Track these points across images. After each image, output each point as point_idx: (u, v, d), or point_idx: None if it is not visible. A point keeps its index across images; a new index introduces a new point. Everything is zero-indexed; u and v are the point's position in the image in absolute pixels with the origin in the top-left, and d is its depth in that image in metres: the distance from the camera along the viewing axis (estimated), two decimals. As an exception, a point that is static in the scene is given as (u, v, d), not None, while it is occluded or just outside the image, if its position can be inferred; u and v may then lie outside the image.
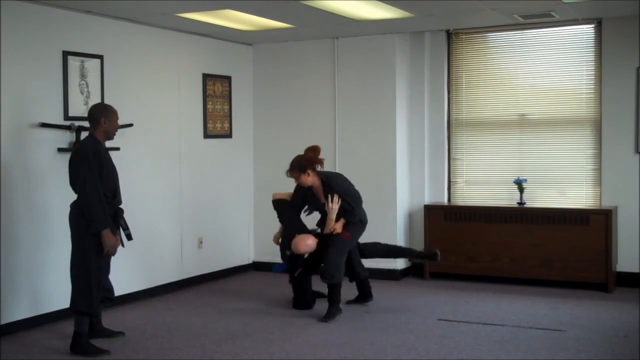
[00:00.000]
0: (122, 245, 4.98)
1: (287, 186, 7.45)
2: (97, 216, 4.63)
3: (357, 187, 6.35)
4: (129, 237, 4.98)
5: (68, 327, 5.25)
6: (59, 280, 5.50)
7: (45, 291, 5.53)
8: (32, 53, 5.42)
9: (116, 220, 4.87)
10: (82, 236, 4.70)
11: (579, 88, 6.90)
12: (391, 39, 7.20)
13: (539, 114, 7.06)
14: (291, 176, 5.81)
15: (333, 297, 5.70)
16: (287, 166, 5.83)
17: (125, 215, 4.97)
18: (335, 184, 5.77)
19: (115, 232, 4.82)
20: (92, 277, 4.71)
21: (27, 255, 5.41)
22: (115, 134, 4.95)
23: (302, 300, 6.02)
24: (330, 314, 5.63)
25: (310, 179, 5.73)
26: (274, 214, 6.46)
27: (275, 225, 6.27)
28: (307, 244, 5.79)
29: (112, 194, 4.84)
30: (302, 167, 5.72)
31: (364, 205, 5.96)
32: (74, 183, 4.72)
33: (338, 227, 5.74)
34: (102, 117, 4.79)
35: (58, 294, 5.52)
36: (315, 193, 5.86)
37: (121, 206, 4.95)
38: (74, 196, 4.77)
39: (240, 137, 7.72)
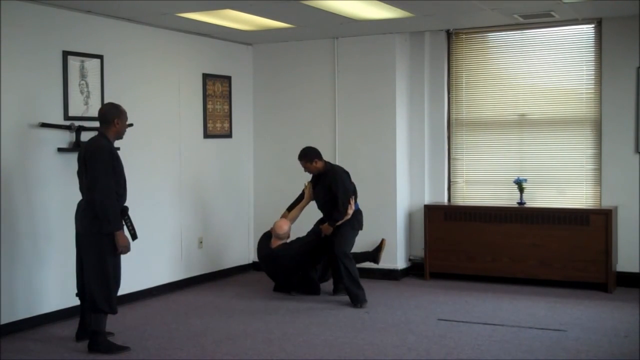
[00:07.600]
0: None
1: (286, 185, 7.44)
2: (113, 218, 4.65)
3: (357, 187, 6.36)
4: (134, 237, 4.98)
5: (67, 328, 5.26)
6: (58, 281, 5.51)
7: (45, 291, 5.53)
8: (32, 53, 5.42)
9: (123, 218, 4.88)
10: (97, 236, 4.69)
11: (579, 88, 6.89)
12: (391, 39, 7.19)
13: (539, 114, 7.06)
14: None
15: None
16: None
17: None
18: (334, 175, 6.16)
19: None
20: (110, 276, 4.72)
21: (27, 255, 5.41)
22: (124, 134, 4.97)
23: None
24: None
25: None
26: (274, 214, 6.46)
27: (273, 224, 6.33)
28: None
29: (123, 192, 4.86)
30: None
31: (363, 206, 5.97)
32: (89, 183, 4.66)
33: (325, 228, 6.22)
34: (115, 117, 4.81)
35: (58, 294, 5.52)
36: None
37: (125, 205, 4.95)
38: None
39: (240, 137, 7.72)
